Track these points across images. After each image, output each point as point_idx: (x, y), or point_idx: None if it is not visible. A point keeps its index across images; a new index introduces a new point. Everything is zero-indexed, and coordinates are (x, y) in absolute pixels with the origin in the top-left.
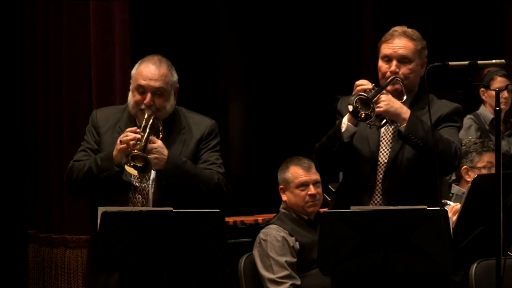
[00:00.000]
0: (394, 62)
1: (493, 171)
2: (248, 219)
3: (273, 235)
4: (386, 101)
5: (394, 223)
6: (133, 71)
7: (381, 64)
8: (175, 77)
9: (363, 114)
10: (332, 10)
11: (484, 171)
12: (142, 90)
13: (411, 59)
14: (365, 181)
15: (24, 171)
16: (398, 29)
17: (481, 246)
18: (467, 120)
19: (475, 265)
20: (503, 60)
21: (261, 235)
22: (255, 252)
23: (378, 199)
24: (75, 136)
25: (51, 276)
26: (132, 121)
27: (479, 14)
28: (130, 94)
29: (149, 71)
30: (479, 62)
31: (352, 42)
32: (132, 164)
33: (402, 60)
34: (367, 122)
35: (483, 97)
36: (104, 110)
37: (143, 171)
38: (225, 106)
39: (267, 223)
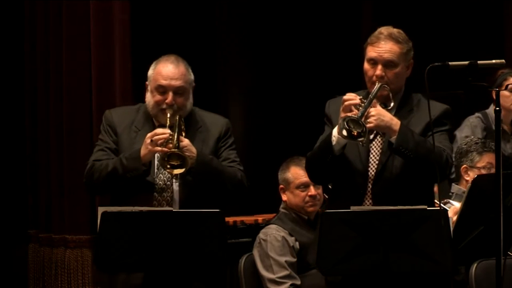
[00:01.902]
0: (380, 67)
1: (492, 172)
2: (248, 219)
3: (273, 235)
4: (376, 116)
5: (394, 223)
6: (150, 72)
7: (367, 67)
8: (192, 75)
9: (356, 133)
10: (332, 11)
11: (483, 171)
12: (162, 90)
13: (396, 63)
14: (355, 189)
15: (24, 171)
16: (384, 31)
17: (481, 246)
18: (475, 119)
19: (475, 265)
20: (503, 60)
21: (261, 235)
22: (255, 252)
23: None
24: (75, 136)
25: (51, 276)
26: (149, 120)
27: (479, 14)
28: (148, 94)
29: (169, 70)
30: (479, 62)
31: (352, 42)
32: (170, 165)
33: (388, 64)
34: (359, 140)
35: (495, 98)
36: (118, 110)
37: (181, 167)
38: (226, 107)
39: (267, 223)
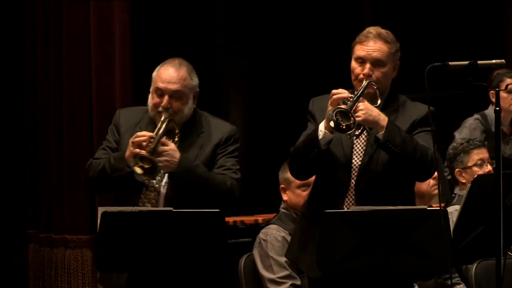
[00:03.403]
0: (368, 65)
1: (485, 167)
2: (248, 219)
3: (273, 235)
4: (364, 110)
5: (394, 223)
6: (154, 73)
7: (354, 65)
8: (195, 81)
9: (344, 126)
10: (332, 10)
11: (476, 169)
12: (160, 92)
13: (384, 62)
14: (339, 184)
15: (24, 171)
16: (373, 30)
17: (481, 246)
18: (474, 121)
19: (475, 265)
20: (503, 60)
21: (261, 235)
22: (255, 252)
23: (352, 202)
24: (75, 136)
25: (51, 276)
26: (153, 122)
27: (479, 14)
28: (149, 96)
29: (168, 73)
30: (479, 62)
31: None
32: (139, 165)
33: (376, 63)
34: (348, 133)
35: (493, 99)
36: (128, 110)
37: (150, 173)
38: (225, 106)
39: (267, 223)
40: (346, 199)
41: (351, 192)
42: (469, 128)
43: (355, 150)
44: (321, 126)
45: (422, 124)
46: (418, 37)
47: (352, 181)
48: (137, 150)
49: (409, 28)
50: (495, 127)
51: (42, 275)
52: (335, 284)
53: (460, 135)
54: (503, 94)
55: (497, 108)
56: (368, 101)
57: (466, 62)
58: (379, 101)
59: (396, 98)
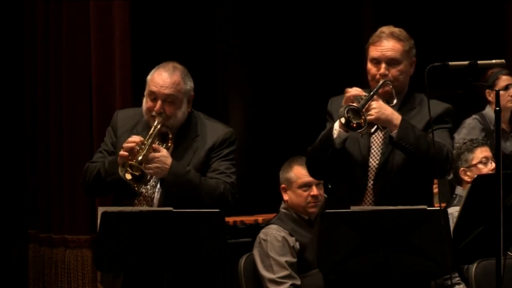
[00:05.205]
0: (383, 65)
1: (489, 165)
2: (248, 219)
3: (273, 235)
4: (377, 109)
5: (394, 223)
6: (148, 77)
7: (370, 66)
8: (189, 85)
9: (355, 124)
10: (332, 11)
11: (481, 166)
12: (153, 96)
13: (400, 60)
14: (356, 184)
15: (24, 171)
16: (386, 30)
17: (481, 246)
18: (472, 120)
19: (475, 265)
20: (503, 60)
21: (261, 235)
22: (255, 252)
23: (370, 202)
24: (75, 136)
25: (51, 276)
26: (149, 126)
27: (479, 14)
28: (144, 99)
29: (161, 78)
30: (479, 62)
31: (353, 43)
32: (130, 172)
33: (391, 62)
34: (359, 131)
35: (489, 98)
36: (125, 112)
37: (139, 180)
38: (225, 106)
39: (267, 223)
40: (364, 200)
41: (369, 193)
42: (467, 128)
43: (372, 150)
44: (336, 125)
45: (438, 122)
46: (418, 37)
47: (370, 181)
48: (127, 157)
49: (409, 28)
50: (496, 127)
51: (42, 275)
52: (352, 284)
53: (459, 135)
54: (500, 92)
55: (497, 108)
56: (384, 100)
57: (466, 62)
58: (395, 100)
59: (413, 97)
